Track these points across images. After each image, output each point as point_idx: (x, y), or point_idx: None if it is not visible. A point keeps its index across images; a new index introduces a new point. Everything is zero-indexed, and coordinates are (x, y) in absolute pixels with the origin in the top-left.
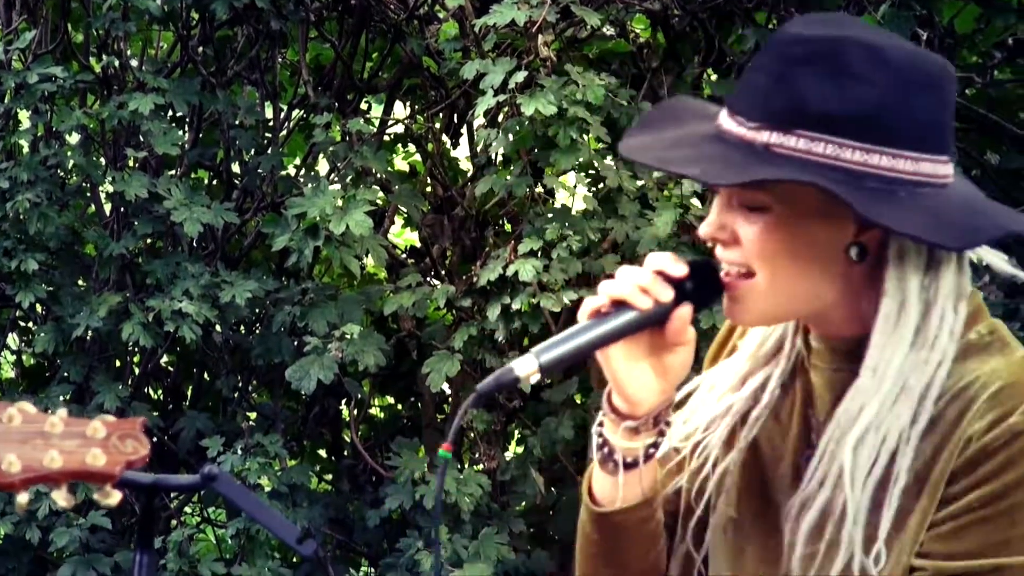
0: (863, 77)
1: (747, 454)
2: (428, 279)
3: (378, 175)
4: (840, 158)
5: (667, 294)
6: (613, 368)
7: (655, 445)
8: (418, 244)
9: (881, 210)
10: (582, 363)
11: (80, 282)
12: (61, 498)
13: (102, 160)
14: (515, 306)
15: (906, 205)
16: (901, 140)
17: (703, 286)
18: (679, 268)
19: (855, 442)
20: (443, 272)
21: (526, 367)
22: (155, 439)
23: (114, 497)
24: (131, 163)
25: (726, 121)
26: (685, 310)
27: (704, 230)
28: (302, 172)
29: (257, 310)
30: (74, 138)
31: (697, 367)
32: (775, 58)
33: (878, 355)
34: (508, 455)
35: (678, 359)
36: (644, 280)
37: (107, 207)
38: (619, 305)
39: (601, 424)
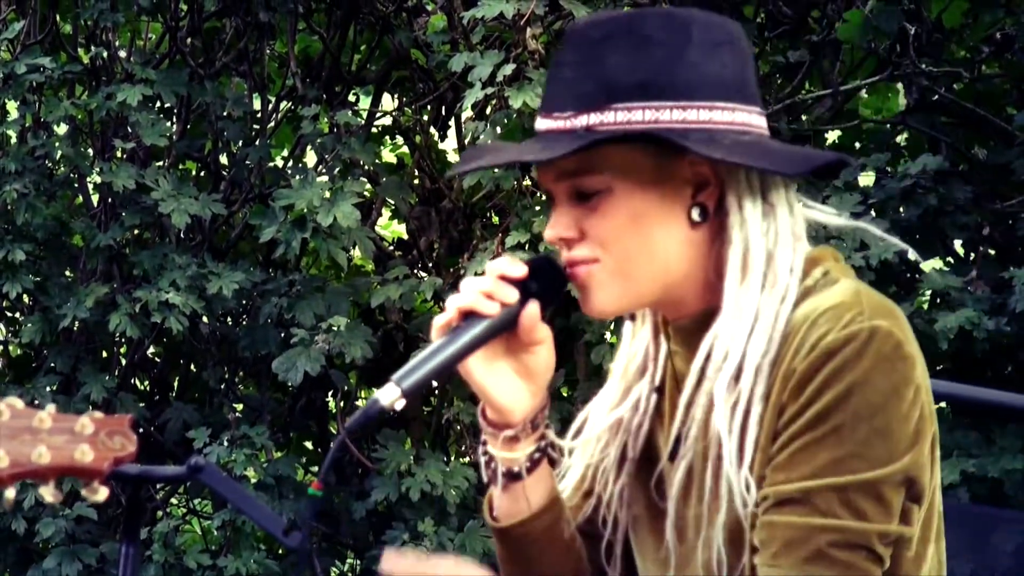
0: (664, 41)
1: (639, 459)
2: (415, 271)
3: (366, 167)
4: (659, 121)
5: (512, 295)
6: (477, 381)
7: (539, 450)
8: (405, 236)
9: (710, 150)
10: (562, 360)
11: (67, 273)
12: (48, 494)
13: (90, 151)
14: None
15: (732, 146)
16: (713, 94)
17: (546, 283)
18: (518, 269)
19: (727, 382)
20: (430, 264)
21: (389, 396)
22: (141, 430)
23: (101, 493)
24: (119, 154)
25: (542, 123)
26: (532, 307)
27: (550, 234)
28: (290, 164)
29: (244, 302)
30: (62, 129)
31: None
32: (574, 48)
33: (732, 300)
34: None
35: (539, 359)
36: (487, 286)
37: (95, 198)
38: (468, 316)
39: (484, 443)
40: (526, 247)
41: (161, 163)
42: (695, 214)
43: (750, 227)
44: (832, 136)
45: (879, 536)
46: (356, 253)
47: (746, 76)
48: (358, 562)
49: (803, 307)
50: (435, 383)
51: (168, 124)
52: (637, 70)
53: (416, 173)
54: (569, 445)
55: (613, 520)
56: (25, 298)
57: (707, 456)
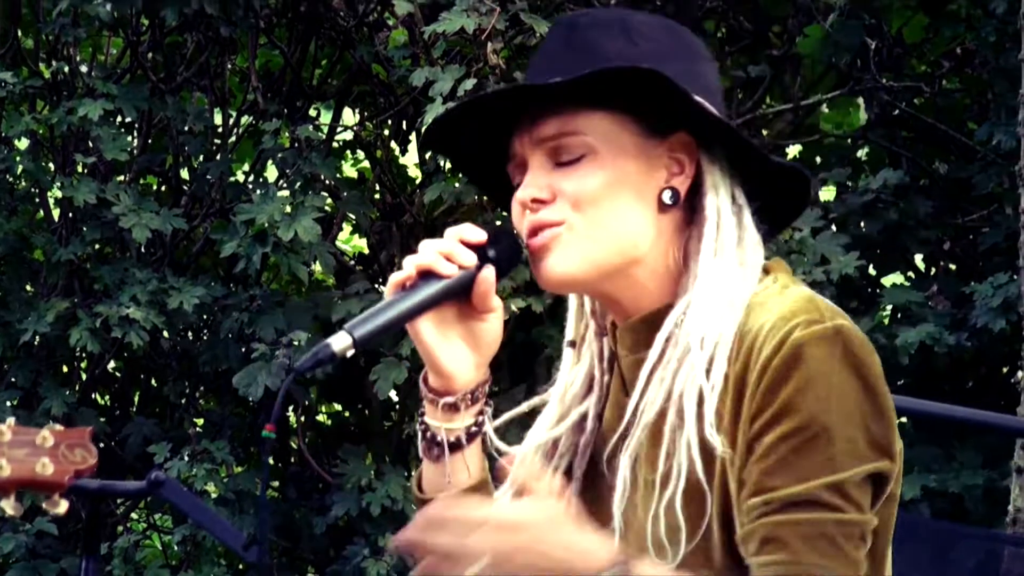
0: (652, 37)
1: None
2: (376, 286)
3: (327, 182)
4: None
5: (470, 258)
6: (425, 341)
7: (477, 425)
8: (366, 251)
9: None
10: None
11: (28, 287)
12: (9, 507)
13: (51, 165)
14: None
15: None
16: (700, 92)
17: (504, 251)
18: (479, 234)
19: (679, 357)
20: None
21: (341, 342)
22: (102, 445)
23: (62, 506)
24: (80, 169)
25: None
26: (488, 272)
27: (523, 194)
28: (251, 178)
29: (205, 316)
30: (23, 143)
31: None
32: (562, 32)
33: (706, 273)
34: None
35: (489, 328)
36: (446, 247)
37: (56, 212)
38: (425, 276)
39: (422, 414)
40: None
41: (122, 178)
42: (666, 196)
43: (724, 212)
44: (793, 150)
45: (868, 525)
46: (317, 268)
47: (717, 94)
48: None
49: (758, 314)
50: (396, 397)
51: (129, 139)
52: (629, 56)
53: (377, 187)
54: (504, 447)
55: None
56: None
57: (659, 435)
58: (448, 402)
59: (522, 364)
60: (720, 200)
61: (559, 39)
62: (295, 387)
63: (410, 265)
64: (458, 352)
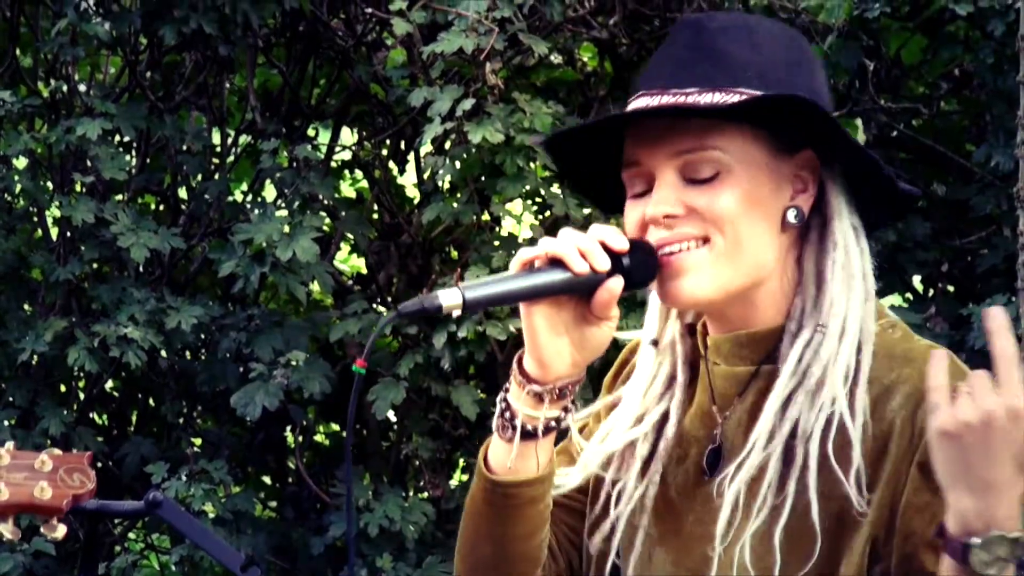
0: (775, 45)
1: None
2: (374, 306)
3: (325, 201)
4: None
5: (604, 262)
6: (533, 325)
7: (557, 420)
8: (364, 271)
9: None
10: None
11: (26, 306)
12: (7, 531)
13: (49, 185)
14: (461, 334)
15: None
16: (823, 101)
17: (640, 266)
18: (621, 241)
19: (812, 388)
20: (389, 299)
21: (451, 299)
22: (99, 465)
23: (60, 531)
24: (78, 188)
25: (651, 100)
26: (615, 283)
27: (657, 209)
28: (249, 198)
29: (203, 336)
30: (21, 162)
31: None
32: (688, 34)
33: (841, 307)
34: (453, 483)
35: (599, 333)
36: (585, 244)
37: (54, 232)
38: (554, 263)
39: (506, 391)
40: None
41: (120, 197)
42: (791, 216)
43: (848, 236)
44: None
45: None
46: (315, 288)
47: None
48: None
49: (889, 364)
50: (394, 417)
51: (127, 158)
52: (755, 62)
53: (375, 207)
54: (584, 443)
55: (616, 539)
56: None
57: (765, 465)
58: (535, 390)
59: None
60: (845, 224)
61: (687, 41)
62: (293, 407)
63: (543, 248)
64: (561, 347)
